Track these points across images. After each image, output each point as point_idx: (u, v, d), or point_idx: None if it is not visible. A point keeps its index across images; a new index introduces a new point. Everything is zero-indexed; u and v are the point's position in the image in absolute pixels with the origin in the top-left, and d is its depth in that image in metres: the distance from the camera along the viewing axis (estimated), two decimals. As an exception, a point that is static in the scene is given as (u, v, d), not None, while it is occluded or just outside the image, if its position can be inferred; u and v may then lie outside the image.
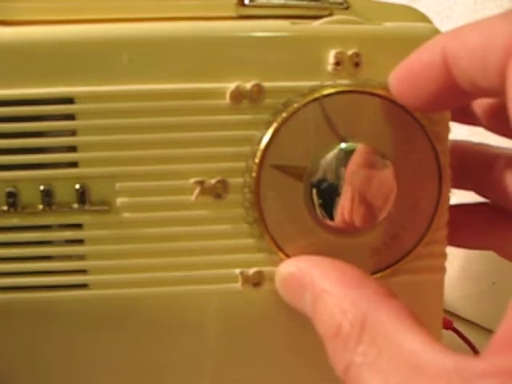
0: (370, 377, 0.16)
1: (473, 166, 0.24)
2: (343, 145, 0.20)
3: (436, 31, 0.21)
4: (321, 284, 0.19)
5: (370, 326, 0.17)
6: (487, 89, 0.17)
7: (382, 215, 0.20)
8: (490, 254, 0.30)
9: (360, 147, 0.20)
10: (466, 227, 0.24)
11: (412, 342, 0.16)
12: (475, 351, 0.29)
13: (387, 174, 0.20)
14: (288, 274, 0.20)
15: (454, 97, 0.18)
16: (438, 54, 0.18)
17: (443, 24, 0.22)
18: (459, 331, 0.30)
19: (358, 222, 0.20)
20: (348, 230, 0.20)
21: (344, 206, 0.20)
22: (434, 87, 0.18)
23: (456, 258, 0.23)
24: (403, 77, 0.19)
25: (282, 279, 0.20)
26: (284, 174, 0.20)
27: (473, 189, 0.25)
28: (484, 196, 0.25)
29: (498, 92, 0.16)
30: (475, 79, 0.17)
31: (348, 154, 0.20)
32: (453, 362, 0.15)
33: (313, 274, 0.19)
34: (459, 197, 0.23)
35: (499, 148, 0.24)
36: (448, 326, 0.29)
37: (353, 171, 0.20)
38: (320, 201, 0.20)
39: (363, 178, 0.20)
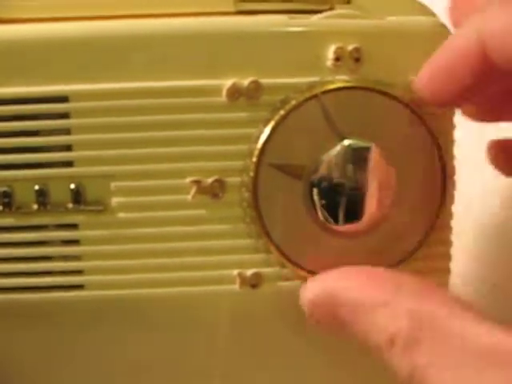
0: (439, 376, 0.15)
1: None
2: (347, 141, 0.19)
3: (440, 24, 0.20)
4: (354, 296, 0.17)
5: (426, 324, 0.16)
6: None
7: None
8: (490, 256, 0.29)
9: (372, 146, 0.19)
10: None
11: (476, 328, 0.15)
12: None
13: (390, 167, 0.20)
14: (314, 298, 0.19)
15: (492, 80, 0.18)
16: (472, 38, 0.17)
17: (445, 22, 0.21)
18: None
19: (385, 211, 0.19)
20: (350, 231, 0.20)
21: (371, 202, 0.19)
22: (471, 73, 0.18)
23: (456, 260, 0.22)
24: (435, 72, 0.19)
25: (309, 305, 0.19)
26: (282, 173, 0.20)
27: None
28: None
29: None
30: None
31: (355, 151, 0.19)
32: None
33: (342, 289, 0.18)
34: (460, 194, 0.23)
35: None
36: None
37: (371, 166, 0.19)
38: (322, 201, 0.20)
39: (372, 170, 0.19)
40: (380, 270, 0.18)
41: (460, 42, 0.18)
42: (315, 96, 0.19)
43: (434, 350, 0.15)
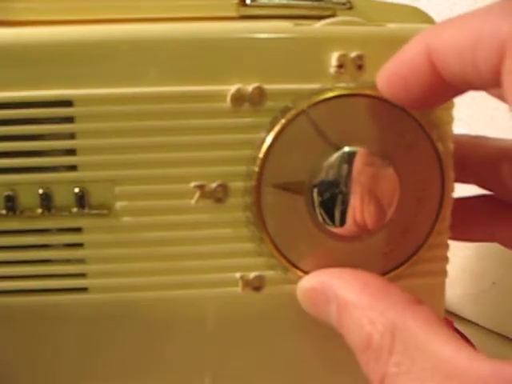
0: None
1: (474, 159, 0.24)
2: (348, 148, 0.20)
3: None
4: (345, 296, 0.18)
5: (401, 336, 0.17)
6: (479, 86, 0.17)
7: (390, 213, 0.20)
8: (490, 254, 0.29)
9: (361, 150, 0.20)
10: (468, 220, 0.25)
11: (445, 349, 0.16)
12: (475, 351, 0.29)
13: (390, 172, 0.20)
14: (310, 288, 0.20)
15: (445, 92, 0.18)
16: (422, 53, 0.18)
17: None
18: (459, 331, 0.30)
19: (370, 221, 0.20)
20: (349, 234, 0.20)
21: (355, 208, 0.20)
22: (423, 86, 0.18)
23: (456, 258, 0.22)
24: (391, 78, 0.19)
25: (304, 293, 0.20)
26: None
27: (475, 182, 0.25)
28: (487, 188, 0.25)
29: (491, 87, 0.16)
30: (465, 78, 0.17)
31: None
32: (489, 367, 0.15)
33: (335, 286, 0.19)
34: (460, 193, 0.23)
35: (498, 140, 0.24)
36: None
37: (359, 171, 0.20)
38: (321, 205, 0.20)
39: (370, 176, 0.20)
40: (374, 277, 0.19)
41: (410, 55, 0.18)
42: (322, 102, 0.20)
43: (403, 363, 0.16)
